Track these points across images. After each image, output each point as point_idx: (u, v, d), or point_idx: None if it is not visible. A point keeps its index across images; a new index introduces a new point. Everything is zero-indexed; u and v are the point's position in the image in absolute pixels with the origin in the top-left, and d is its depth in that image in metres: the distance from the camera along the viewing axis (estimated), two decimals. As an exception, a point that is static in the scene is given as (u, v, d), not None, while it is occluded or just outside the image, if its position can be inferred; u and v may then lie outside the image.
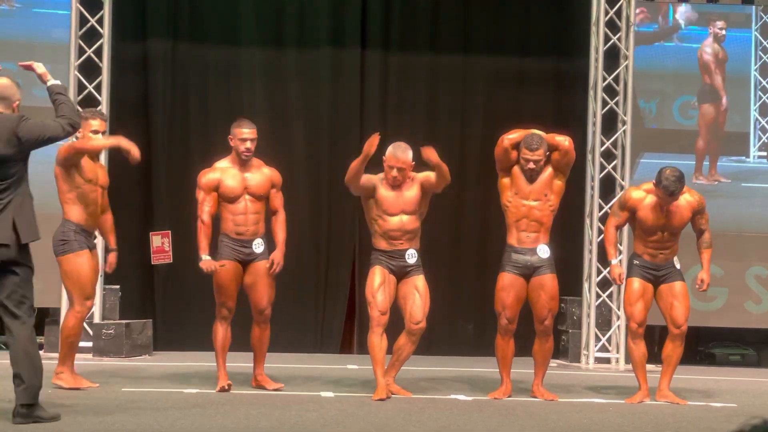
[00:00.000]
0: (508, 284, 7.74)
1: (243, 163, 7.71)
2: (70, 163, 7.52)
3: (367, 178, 7.61)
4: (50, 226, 9.78)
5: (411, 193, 7.64)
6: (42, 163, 9.94)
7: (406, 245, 7.64)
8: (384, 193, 7.63)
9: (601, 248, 10.66)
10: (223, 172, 7.72)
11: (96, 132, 7.66)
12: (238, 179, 7.69)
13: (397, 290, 7.66)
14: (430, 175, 7.66)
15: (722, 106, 11.01)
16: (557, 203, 7.80)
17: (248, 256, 7.67)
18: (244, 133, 7.70)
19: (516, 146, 7.72)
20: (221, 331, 7.69)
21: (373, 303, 7.57)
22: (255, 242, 7.68)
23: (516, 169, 7.74)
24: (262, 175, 7.79)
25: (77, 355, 7.84)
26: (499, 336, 7.82)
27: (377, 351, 7.54)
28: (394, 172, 7.57)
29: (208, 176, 7.74)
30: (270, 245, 7.80)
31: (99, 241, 8.78)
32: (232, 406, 6.98)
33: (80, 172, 7.55)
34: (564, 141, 7.75)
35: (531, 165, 7.63)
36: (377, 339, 7.53)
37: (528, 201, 7.71)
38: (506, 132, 7.81)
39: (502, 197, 7.81)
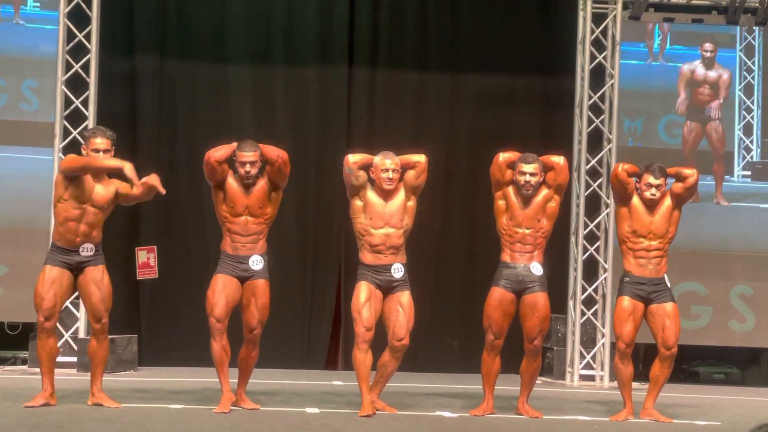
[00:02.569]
0: (497, 300, 7.76)
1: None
2: (69, 175, 7.45)
3: (364, 173, 7.64)
4: (35, 241, 9.84)
5: (397, 201, 7.65)
6: (29, 179, 10.04)
7: (392, 259, 7.65)
8: (372, 197, 7.64)
9: (586, 265, 10.74)
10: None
11: (97, 151, 7.43)
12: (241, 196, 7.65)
13: (383, 306, 7.66)
14: (408, 172, 7.70)
15: (712, 126, 11.09)
16: (550, 228, 7.84)
17: (245, 272, 7.64)
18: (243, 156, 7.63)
19: (511, 165, 7.77)
20: (214, 346, 7.54)
21: (358, 319, 7.57)
22: (252, 259, 7.64)
23: (510, 191, 7.77)
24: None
25: (61, 370, 7.79)
26: (485, 352, 7.82)
27: (362, 367, 7.54)
28: (390, 174, 7.59)
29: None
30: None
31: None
32: (217, 422, 6.97)
33: (72, 187, 7.42)
34: (559, 160, 7.82)
35: (527, 177, 7.67)
36: (362, 355, 7.54)
37: (521, 228, 7.75)
38: (498, 150, 7.87)
39: (497, 222, 7.85)
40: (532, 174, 7.70)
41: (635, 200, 7.85)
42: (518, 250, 7.78)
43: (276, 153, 7.59)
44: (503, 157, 7.81)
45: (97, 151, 7.45)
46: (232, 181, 7.58)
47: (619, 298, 7.88)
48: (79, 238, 7.47)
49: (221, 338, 7.52)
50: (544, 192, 7.79)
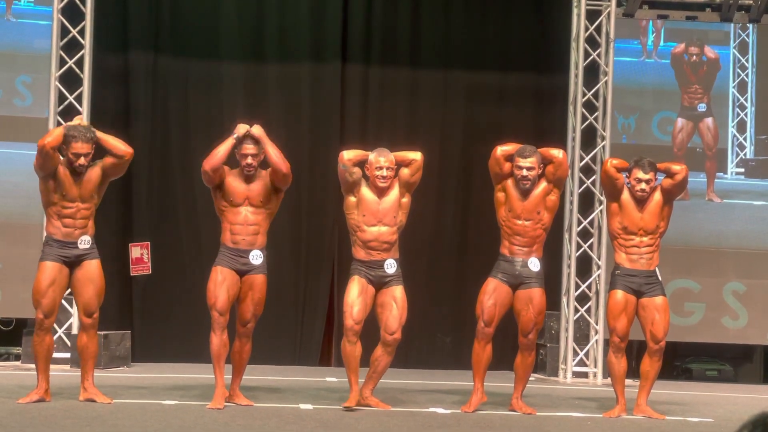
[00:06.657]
0: (491, 289, 7.75)
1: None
2: (41, 173, 7.42)
3: (358, 169, 7.65)
4: (29, 236, 9.84)
5: (391, 198, 7.65)
6: (22, 174, 10.01)
7: (385, 255, 7.66)
8: (366, 193, 7.64)
9: (580, 262, 10.75)
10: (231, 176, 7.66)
11: (78, 155, 7.31)
12: (241, 188, 7.65)
13: (375, 300, 7.67)
14: (403, 170, 7.71)
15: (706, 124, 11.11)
16: (550, 220, 7.83)
17: (244, 266, 7.62)
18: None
19: (509, 158, 7.76)
20: (213, 340, 7.52)
21: (348, 312, 7.57)
22: (252, 254, 7.63)
23: (509, 183, 7.77)
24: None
25: (55, 366, 7.77)
26: (476, 340, 7.79)
27: (351, 358, 7.56)
28: (384, 172, 7.59)
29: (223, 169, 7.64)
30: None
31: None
32: (211, 418, 6.98)
33: (54, 185, 7.37)
34: (558, 153, 7.80)
35: (524, 172, 7.66)
36: (351, 347, 7.55)
37: (520, 221, 7.74)
38: (492, 146, 7.85)
39: (497, 213, 7.85)
40: (529, 168, 7.69)
41: (625, 196, 7.85)
42: (517, 243, 7.77)
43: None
44: (501, 150, 7.80)
45: (78, 155, 7.32)
46: (231, 179, 7.59)
47: (612, 291, 7.88)
48: (78, 231, 7.45)
49: (222, 332, 7.52)
50: (543, 185, 7.77)
